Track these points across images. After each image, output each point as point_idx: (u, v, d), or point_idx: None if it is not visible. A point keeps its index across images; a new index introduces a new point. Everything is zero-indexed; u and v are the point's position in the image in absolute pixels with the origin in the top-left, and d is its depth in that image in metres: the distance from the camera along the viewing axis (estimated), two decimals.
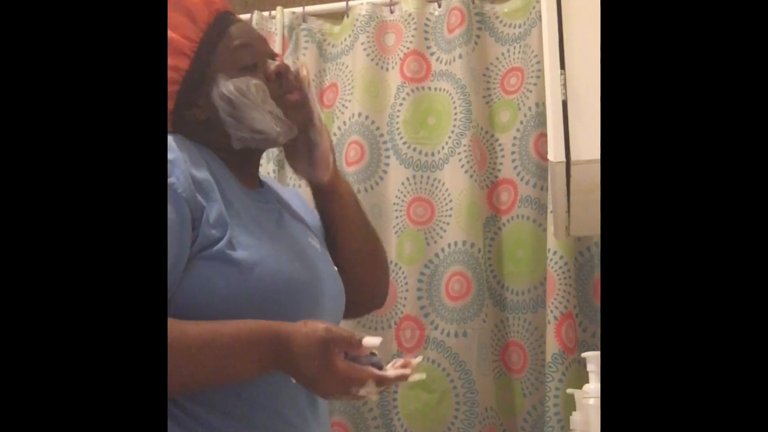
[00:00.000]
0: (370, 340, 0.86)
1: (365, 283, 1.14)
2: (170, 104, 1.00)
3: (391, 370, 0.87)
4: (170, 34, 0.98)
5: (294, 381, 0.88)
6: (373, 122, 1.96)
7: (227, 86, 0.99)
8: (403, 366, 0.89)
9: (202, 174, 0.93)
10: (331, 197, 1.11)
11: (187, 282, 0.89)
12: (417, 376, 0.89)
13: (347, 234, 1.13)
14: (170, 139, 0.92)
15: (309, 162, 1.09)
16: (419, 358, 0.92)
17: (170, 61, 0.97)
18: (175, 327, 0.84)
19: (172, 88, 0.99)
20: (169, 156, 0.90)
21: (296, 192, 1.22)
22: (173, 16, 0.98)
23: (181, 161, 0.90)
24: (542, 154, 1.83)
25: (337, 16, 2.10)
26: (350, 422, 1.82)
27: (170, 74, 0.98)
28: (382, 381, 0.86)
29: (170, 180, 0.88)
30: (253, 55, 1.03)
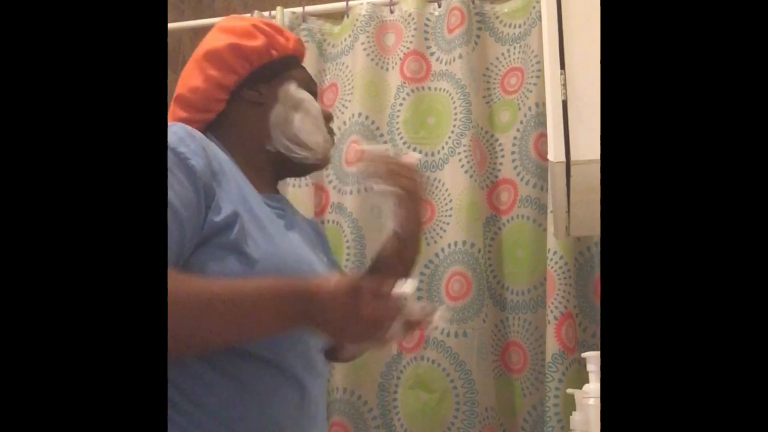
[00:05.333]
0: (403, 286, 0.86)
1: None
2: (233, 80, 1.09)
3: (417, 309, 0.87)
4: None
5: (314, 336, 0.92)
6: (373, 122, 1.96)
7: (300, 93, 1.11)
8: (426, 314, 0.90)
9: (219, 167, 0.97)
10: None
11: (191, 267, 0.90)
12: (439, 316, 0.90)
13: None
14: (191, 130, 0.97)
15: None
16: (442, 311, 0.94)
17: (251, 44, 1.09)
18: (197, 282, 0.86)
19: (244, 68, 1.09)
20: (190, 144, 0.94)
21: (312, 220, 1.25)
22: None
23: (201, 150, 0.95)
24: (542, 154, 1.83)
25: (337, 16, 2.10)
26: (350, 422, 1.82)
27: (251, 55, 1.09)
28: (408, 322, 0.86)
29: (191, 162, 0.92)
30: (315, 88, 1.18)
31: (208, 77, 1.08)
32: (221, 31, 1.12)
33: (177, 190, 0.89)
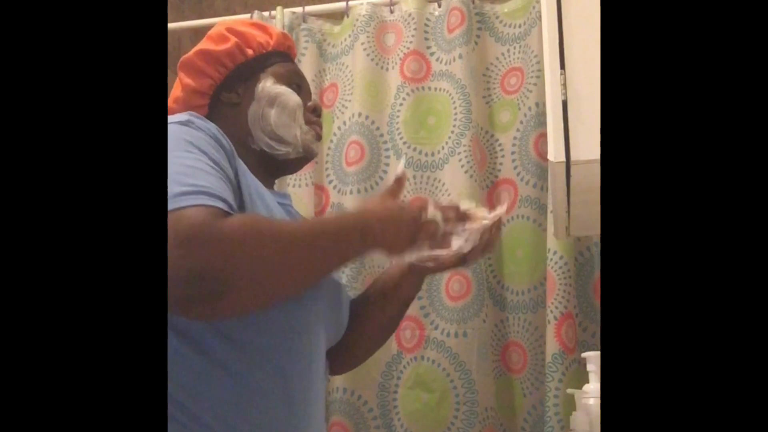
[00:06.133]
0: (398, 168, 1.03)
1: (358, 352, 1.18)
2: (208, 84, 1.11)
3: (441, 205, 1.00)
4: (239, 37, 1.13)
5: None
6: (373, 122, 1.96)
7: (276, 88, 1.11)
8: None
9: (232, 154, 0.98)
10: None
11: None
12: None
13: (386, 317, 1.17)
14: (205, 120, 0.98)
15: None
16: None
17: (226, 48, 1.11)
18: (292, 222, 0.92)
19: (219, 71, 1.11)
20: (214, 131, 0.95)
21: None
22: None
23: (220, 132, 0.97)
24: (542, 154, 1.83)
25: (337, 16, 2.10)
26: (350, 422, 1.82)
27: (222, 58, 1.11)
28: (442, 209, 0.98)
29: (223, 142, 0.95)
30: (300, 81, 1.16)
31: (185, 86, 1.12)
32: (203, 40, 1.15)
33: (218, 159, 0.91)
